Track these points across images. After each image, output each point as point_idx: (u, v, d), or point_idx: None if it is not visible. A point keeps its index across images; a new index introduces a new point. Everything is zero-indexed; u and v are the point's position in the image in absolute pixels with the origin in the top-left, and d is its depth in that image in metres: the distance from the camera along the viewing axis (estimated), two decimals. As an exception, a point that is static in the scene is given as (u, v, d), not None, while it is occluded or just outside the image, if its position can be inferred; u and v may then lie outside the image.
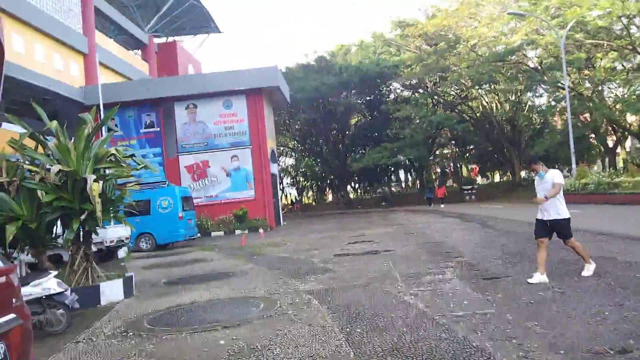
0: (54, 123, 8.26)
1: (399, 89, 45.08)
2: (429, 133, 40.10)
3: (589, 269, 6.81)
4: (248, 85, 24.99)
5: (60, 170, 7.63)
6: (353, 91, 42.57)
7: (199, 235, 22.31)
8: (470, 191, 36.08)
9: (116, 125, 26.01)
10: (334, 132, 47.23)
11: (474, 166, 51.93)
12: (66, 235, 7.72)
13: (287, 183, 67.97)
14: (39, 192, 7.58)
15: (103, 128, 15.58)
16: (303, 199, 64.79)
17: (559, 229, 6.80)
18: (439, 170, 57.29)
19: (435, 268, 8.48)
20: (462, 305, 5.80)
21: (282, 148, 56.13)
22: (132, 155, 9.10)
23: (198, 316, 6.49)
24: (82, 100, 24.97)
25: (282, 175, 63.62)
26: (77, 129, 8.38)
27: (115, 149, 8.54)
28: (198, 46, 68.32)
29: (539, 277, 6.65)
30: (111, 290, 8.01)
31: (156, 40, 36.81)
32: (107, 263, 14.80)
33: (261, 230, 21.52)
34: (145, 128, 26.14)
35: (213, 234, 23.84)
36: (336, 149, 47.68)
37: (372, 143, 44.59)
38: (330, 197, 61.31)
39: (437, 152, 49.96)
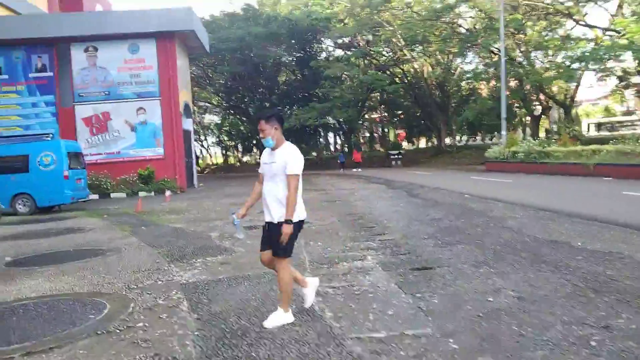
0: None
1: (330, 46, 43.00)
2: (360, 95, 38.55)
3: (306, 297, 4.42)
4: (158, 27, 21.87)
5: None
6: (283, 46, 39.90)
7: (91, 197, 19.51)
8: (396, 156, 35.26)
9: (1, 68, 22.16)
10: (261, 89, 44.56)
11: (401, 131, 51.49)
12: None
13: (212, 142, 64.75)
14: None
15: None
16: (228, 159, 62.03)
17: (275, 236, 3.92)
18: (367, 134, 56.49)
19: (355, 249, 6.79)
20: (385, 318, 4.10)
21: (204, 104, 52.73)
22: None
23: (7, 325, 4.37)
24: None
25: (205, 133, 60.32)
26: None
27: None
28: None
29: (279, 317, 4.04)
30: None
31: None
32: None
33: (168, 193, 19.07)
34: (35, 72, 22.40)
35: (113, 195, 21.09)
36: (263, 107, 45.13)
37: (301, 102, 42.45)
38: (256, 159, 58.98)
39: (367, 116, 48.83)
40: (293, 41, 39.32)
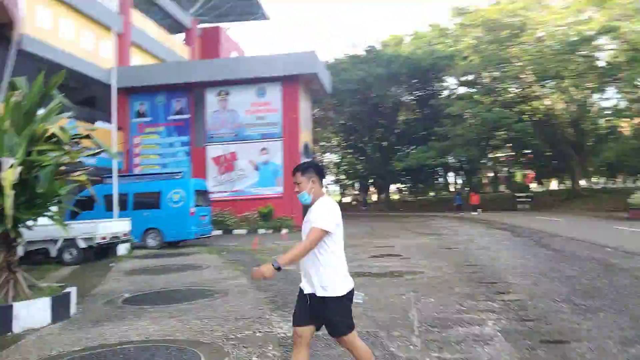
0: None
1: (453, 85, 41.88)
2: (483, 133, 36.67)
3: None
4: (283, 71, 22.91)
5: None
6: (403, 85, 39.72)
7: (215, 232, 20.53)
8: (524, 199, 32.63)
9: (145, 112, 24.68)
10: (380, 128, 44.53)
11: (529, 172, 47.90)
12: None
13: (331, 181, 65.96)
14: None
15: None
16: (343, 199, 62.48)
17: (322, 312, 3.36)
18: (490, 174, 53.52)
19: (472, 310, 6.00)
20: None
21: (324, 144, 54.02)
22: (86, 137, 7.05)
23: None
24: (112, 83, 23.63)
25: (324, 172, 61.64)
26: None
27: (61, 127, 6.52)
28: (243, 33, 66.75)
29: None
30: (30, 313, 6.03)
31: (200, 25, 35.41)
32: (96, 262, 13.13)
33: (284, 231, 19.42)
34: (174, 114, 24.62)
35: (235, 231, 21.98)
36: (380, 146, 45.01)
37: (420, 141, 41.56)
38: (375, 197, 58.67)
39: (490, 155, 46.29)
40: (414, 80, 39.00)
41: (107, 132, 22.59)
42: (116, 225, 14.13)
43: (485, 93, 36.95)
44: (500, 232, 17.07)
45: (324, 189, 3.47)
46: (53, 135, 6.36)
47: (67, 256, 13.01)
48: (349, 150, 50.52)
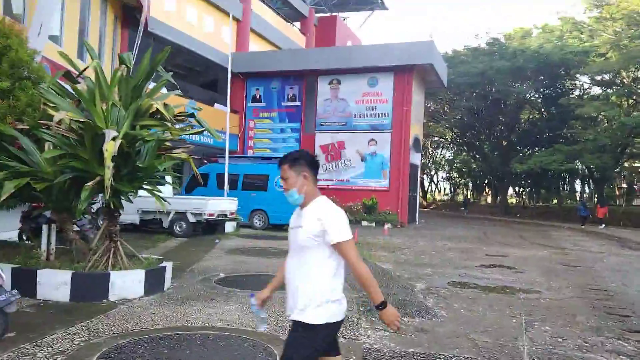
0: (94, 62, 6.52)
1: (586, 83, 37.90)
2: (619, 139, 32.76)
3: None
4: (397, 61, 22.07)
5: (73, 119, 5.88)
6: (528, 81, 36.72)
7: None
8: (664, 216, 28.58)
9: (260, 97, 25.29)
10: (500, 126, 41.71)
11: (673, 185, 42.12)
12: (78, 206, 5.98)
13: (442, 178, 63.68)
14: (46, 146, 5.98)
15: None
16: (456, 197, 60.01)
17: (290, 339, 2.66)
18: (624, 185, 47.93)
19: (597, 349, 5.00)
20: None
21: (438, 139, 52.09)
22: (190, 115, 7.04)
23: (176, 356, 4.21)
24: (229, 67, 24.58)
25: (436, 169, 59.56)
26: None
27: (165, 104, 6.54)
28: (361, 23, 66.26)
29: None
30: (125, 283, 6.15)
31: (318, 14, 35.63)
32: (204, 237, 13.61)
33: (386, 227, 18.79)
34: (287, 101, 24.95)
35: (338, 221, 21.71)
36: (499, 146, 42.17)
37: (544, 144, 38.27)
38: (489, 199, 55.61)
39: (626, 164, 41.37)
40: (541, 77, 35.82)
41: (223, 114, 23.68)
42: (224, 204, 14.54)
43: (624, 95, 32.89)
44: (635, 253, 14.91)
45: (317, 187, 2.74)
46: (158, 111, 6.38)
47: (177, 228, 13.66)
48: (463, 148, 48.12)
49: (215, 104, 23.21)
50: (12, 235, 9.19)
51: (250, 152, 24.85)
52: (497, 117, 40.14)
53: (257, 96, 25.38)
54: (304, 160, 2.71)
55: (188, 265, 8.98)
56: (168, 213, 13.72)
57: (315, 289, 2.57)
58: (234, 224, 15.71)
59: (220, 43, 23.66)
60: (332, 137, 23.66)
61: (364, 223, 21.36)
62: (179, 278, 7.65)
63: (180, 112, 7.07)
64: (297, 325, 2.58)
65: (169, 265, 7.02)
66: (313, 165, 2.73)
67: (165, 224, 13.84)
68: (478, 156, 45.47)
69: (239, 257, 10.29)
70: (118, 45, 17.43)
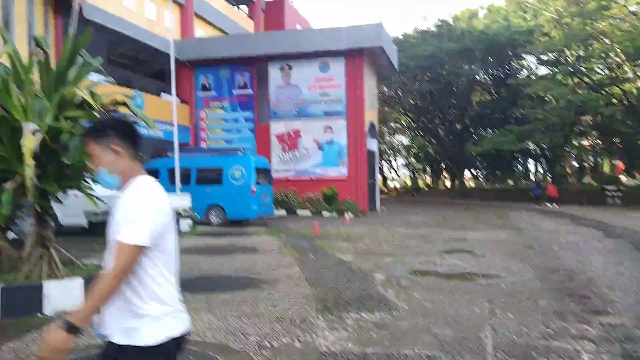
0: (9, 47, 5.82)
1: (532, 63, 38.69)
2: (567, 117, 33.68)
3: None
4: (347, 44, 21.72)
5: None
6: (477, 63, 37.14)
7: (278, 213, 20.21)
8: (614, 193, 29.67)
9: (210, 85, 24.42)
10: (452, 109, 42.20)
11: (619, 162, 43.82)
12: (1, 210, 5.33)
13: (402, 164, 64.19)
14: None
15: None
16: (416, 183, 60.73)
17: None
18: (574, 163, 49.67)
19: (562, 336, 4.82)
20: None
21: (393, 125, 52.34)
22: (122, 103, 6.43)
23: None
24: (176, 56, 23.54)
25: (395, 155, 59.94)
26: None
27: (91, 92, 5.93)
28: (309, 7, 64.68)
29: None
30: (62, 294, 5.56)
31: (266, -2, 34.71)
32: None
33: (347, 216, 18.57)
34: (238, 89, 24.19)
35: (299, 212, 21.40)
36: (453, 129, 42.75)
37: (496, 125, 39.00)
38: (447, 183, 56.53)
39: (575, 143, 42.74)
40: (489, 58, 36.36)
41: (170, 105, 22.77)
42: (176, 200, 13.87)
43: (569, 73, 33.79)
44: (589, 230, 15.22)
45: (138, 163, 2.07)
46: (85, 101, 5.78)
47: (125, 229, 12.90)
48: (419, 132, 48.53)
49: (162, 94, 22.22)
50: None
51: (203, 145, 24.07)
52: (449, 100, 40.55)
53: (207, 85, 24.52)
54: (113, 130, 2.03)
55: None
56: (117, 213, 12.96)
57: (140, 303, 1.93)
58: (189, 221, 15.05)
59: (164, 30, 22.65)
60: (286, 125, 23.17)
61: (325, 214, 21.06)
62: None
63: (111, 101, 6.47)
64: (121, 350, 1.91)
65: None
66: (128, 136, 2.05)
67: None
68: (434, 140, 45.98)
69: (193, 257, 9.75)
70: (52, 34, 16.33)
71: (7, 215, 5.50)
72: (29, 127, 5.06)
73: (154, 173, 17.32)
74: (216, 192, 16.57)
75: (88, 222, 13.23)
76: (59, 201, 6.18)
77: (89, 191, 6.21)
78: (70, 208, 13.17)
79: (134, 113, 6.62)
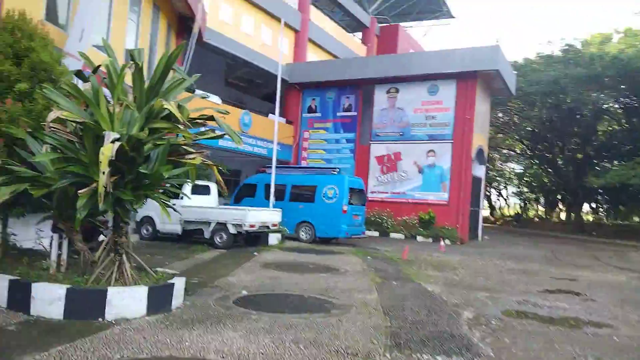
0: (108, 59, 6.06)
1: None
2: None
3: None
4: (460, 67, 20.76)
5: (72, 121, 5.41)
6: (607, 90, 33.79)
7: (370, 233, 19.78)
8: None
9: (316, 107, 24.76)
10: (574, 138, 38.75)
11: None
12: (77, 214, 5.47)
13: (512, 193, 60.29)
14: (43, 148, 5.56)
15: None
16: (527, 214, 56.60)
17: None
18: None
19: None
20: None
21: (507, 151, 49.39)
22: (209, 117, 6.39)
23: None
24: (286, 78, 24.27)
25: (505, 183, 56.45)
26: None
27: (179, 105, 5.95)
28: (425, 32, 63.66)
29: None
30: (124, 301, 5.56)
31: (380, 24, 34.80)
32: (244, 249, 13.06)
33: (443, 243, 17.49)
34: (342, 111, 24.24)
35: (392, 235, 20.71)
36: (574, 159, 39.17)
37: (624, 157, 35.05)
38: (562, 216, 51.93)
39: None
40: (622, 85, 32.86)
41: (279, 125, 23.32)
42: (266, 215, 13.96)
43: None
44: None
45: None
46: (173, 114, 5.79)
47: (217, 239, 13.21)
48: (534, 161, 45.20)
49: (270, 115, 22.90)
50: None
51: (304, 163, 24.33)
52: (571, 128, 37.30)
53: (313, 106, 24.88)
54: None
55: (213, 279, 8.38)
56: (209, 223, 13.34)
57: None
58: (279, 236, 15.09)
59: (277, 54, 23.43)
60: (387, 147, 22.65)
61: (420, 238, 20.14)
62: (195, 295, 7.04)
63: (200, 115, 6.47)
64: None
65: (179, 281, 6.40)
66: None
67: (207, 235, 13.45)
68: (550, 170, 42.54)
69: (272, 272, 9.59)
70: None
71: (81, 219, 5.61)
72: (110, 135, 5.15)
73: (252, 188, 17.82)
74: (307, 209, 16.49)
75: (182, 229, 13.76)
76: (135, 210, 6.24)
77: (164, 201, 6.17)
78: (170, 217, 13.91)
79: (220, 126, 6.57)
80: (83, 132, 5.52)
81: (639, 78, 31.84)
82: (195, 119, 6.35)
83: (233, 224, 13.04)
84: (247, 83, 28.31)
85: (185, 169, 6.26)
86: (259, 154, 22.00)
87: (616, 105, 36.38)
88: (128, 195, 5.60)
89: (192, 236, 14.30)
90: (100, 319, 5.42)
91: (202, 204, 13.88)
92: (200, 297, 6.93)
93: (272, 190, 16.23)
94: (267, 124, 21.42)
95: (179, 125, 5.87)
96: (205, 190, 14.65)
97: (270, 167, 16.95)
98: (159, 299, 5.90)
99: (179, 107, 5.94)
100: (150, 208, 14.28)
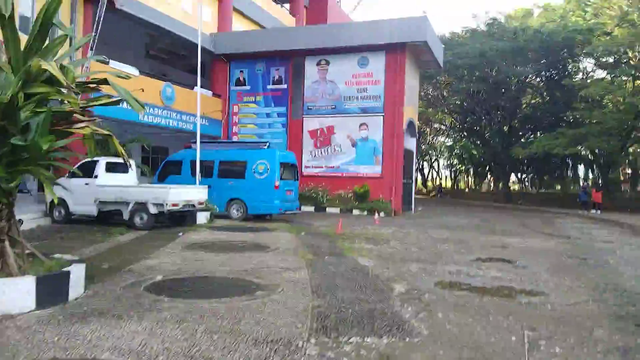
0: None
1: (589, 64, 36.09)
2: (625, 121, 31.14)
3: None
4: (388, 39, 20.45)
5: None
6: (530, 63, 34.96)
7: (306, 209, 19.40)
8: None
9: (245, 79, 23.70)
10: (501, 110, 40.03)
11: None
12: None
13: (443, 165, 62.08)
14: None
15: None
16: (458, 185, 58.59)
17: None
18: (629, 170, 46.40)
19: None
20: None
21: (437, 126, 50.51)
22: (102, 81, 5.48)
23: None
24: (211, 49, 23.00)
25: (437, 155, 57.93)
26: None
27: (62, 66, 5.02)
28: (354, 7, 63.38)
29: None
30: (5, 295, 4.70)
31: (308, -5, 33.81)
32: (167, 230, 12.17)
33: (377, 216, 17.35)
34: (272, 84, 23.34)
35: (328, 210, 20.41)
36: (500, 131, 40.55)
37: (546, 128, 36.65)
38: (491, 186, 54.07)
39: (631, 149, 39.76)
40: (543, 60, 34.10)
41: (205, 99, 22.11)
42: (190, 193, 13.10)
43: (630, 75, 31.21)
44: (649, 242, 13.45)
45: None
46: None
47: (137, 220, 12.24)
48: (463, 134, 46.49)
49: (195, 88, 21.63)
50: None
51: (235, 139, 23.37)
52: (497, 101, 38.44)
53: (241, 79, 23.81)
54: None
55: (127, 264, 7.56)
56: (127, 204, 12.29)
57: None
58: (207, 214, 14.27)
59: (201, 23, 22.03)
60: (320, 121, 22.12)
61: (355, 212, 19.99)
62: (102, 282, 6.23)
63: (92, 79, 5.56)
64: None
65: (78, 268, 5.56)
66: None
67: (125, 216, 12.39)
68: (479, 142, 43.92)
69: (196, 253, 8.86)
70: (80, 24, 15.88)
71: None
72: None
73: (177, 164, 16.77)
74: (238, 186, 15.73)
75: (98, 211, 12.64)
76: (10, 192, 5.22)
77: (47, 179, 5.25)
78: (81, 196, 12.73)
79: (116, 91, 5.68)
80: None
81: (558, 52, 33.17)
82: (86, 83, 5.45)
83: (154, 204, 12.08)
84: (170, 55, 26.61)
85: (69, 141, 5.35)
86: (186, 129, 20.83)
87: (538, 79, 37.86)
88: (2, 172, 4.66)
89: (111, 218, 13.21)
90: (-28, 319, 4.55)
91: (119, 183, 12.77)
92: (107, 285, 6.13)
93: (198, 166, 15.30)
94: (193, 98, 20.13)
95: (62, 90, 4.95)
96: (122, 168, 13.51)
97: (193, 142, 15.99)
98: (51, 290, 5.07)
99: (62, 68, 5.02)
100: (60, 188, 13.06)
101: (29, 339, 4.10)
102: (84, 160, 13.30)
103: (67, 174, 13.18)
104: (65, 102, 5.17)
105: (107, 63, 15.12)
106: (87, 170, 12.82)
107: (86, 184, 12.64)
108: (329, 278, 7.03)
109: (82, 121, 5.31)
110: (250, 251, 9.31)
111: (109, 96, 5.95)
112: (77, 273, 5.49)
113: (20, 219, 7.54)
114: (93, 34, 14.90)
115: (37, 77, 5.03)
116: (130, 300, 5.41)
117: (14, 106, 4.60)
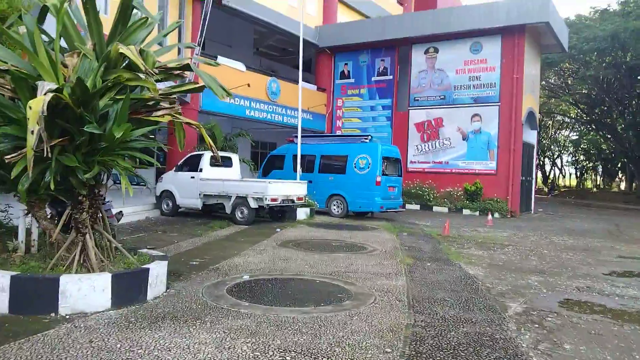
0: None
1: None
2: None
3: None
4: (505, 21, 18.65)
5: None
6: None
7: (411, 207, 18.43)
8: None
9: (349, 72, 23.17)
10: (636, 100, 35.37)
11: None
12: (19, 186, 4.43)
13: (567, 162, 56.78)
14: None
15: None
16: (583, 184, 53.30)
17: None
18: None
19: None
20: None
21: (560, 118, 46.08)
22: (185, 66, 5.17)
23: None
24: (315, 42, 22.78)
25: (560, 151, 53.00)
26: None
27: (141, 50, 4.76)
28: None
29: None
30: (80, 292, 4.52)
31: (419, -17, 32.32)
32: (266, 225, 12.00)
33: (491, 217, 15.85)
34: (377, 76, 22.55)
35: (435, 208, 19.20)
36: (635, 124, 35.86)
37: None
38: (622, 186, 48.40)
39: None
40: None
41: (310, 93, 21.93)
42: (289, 188, 12.80)
43: None
44: None
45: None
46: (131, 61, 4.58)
47: (238, 214, 12.20)
48: (591, 127, 41.89)
49: (300, 82, 21.52)
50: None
51: (338, 133, 22.96)
52: (632, 89, 33.98)
53: (346, 72, 23.31)
54: None
55: (216, 261, 7.32)
56: (229, 198, 12.31)
57: None
58: (307, 210, 13.94)
59: (306, 16, 21.82)
60: (428, 113, 20.89)
61: (466, 211, 18.54)
62: (188, 280, 5.98)
63: (175, 65, 5.26)
64: None
65: (159, 265, 5.30)
66: None
67: (227, 210, 12.43)
68: (609, 136, 39.25)
69: (289, 251, 8.45)
70: (189, 19, 16.35)
71: (24, 191, 4.55)
72: (43, 86, 4.02)
73: (280, 159, 16.70)
74: (338, 181, 15.24)
75: (202, 204, 12.82)
76: (84, 183, 5.03)
77: (123, 170, 4.98)
78: (187, 190, 13.02)
79: (200, 77, 5.32)
80: (15, 84, 4.40)
81: None
82: (168, 69, 5.15)
83: (254, 198, 11.96)
84: (279, 52, 26.92)
85: (149, 129, 5.07)
86: (291, 124, 20.78)
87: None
88: (72, 160, 4.48)
89: (216, 212, 13.38)
90: (52, 314, 4.41)
91: (222, 177, 12.86)
92: (191, 284, 5.85)
93: (299, 160, 15.04)
94: (297, 92, 20.11)
95: (140, 75, 4.67)
96: (227, 162, 13.64)
97: (302, 136, 15.76)
98: (128, 289, 4.84)
99: (141, 52, 4.74)
100: (168, 181, 13.50)
101: (93, 343, 3.82)
102: (190, 154, 13.67)
103: (174, 168, 13.65)
104: (145, 88, 4.90)
105: (215, 63, 15.29)
106: (193, 164, 13.14)
107: (192, 177, 12.91)
108: (429, 289, 6.16)
109: (164, 108, 5.01)
110: (344, 252, 8.69)
111: (195, 83, 5.62)
112: (158, 270, 5.23)
113: (120, 211, 7.63)
114: (202, 29, 15.21)
115: (117, 63, 4.80)
116: (208, 303, 5.03)
117: (91, 93, 4.38)
